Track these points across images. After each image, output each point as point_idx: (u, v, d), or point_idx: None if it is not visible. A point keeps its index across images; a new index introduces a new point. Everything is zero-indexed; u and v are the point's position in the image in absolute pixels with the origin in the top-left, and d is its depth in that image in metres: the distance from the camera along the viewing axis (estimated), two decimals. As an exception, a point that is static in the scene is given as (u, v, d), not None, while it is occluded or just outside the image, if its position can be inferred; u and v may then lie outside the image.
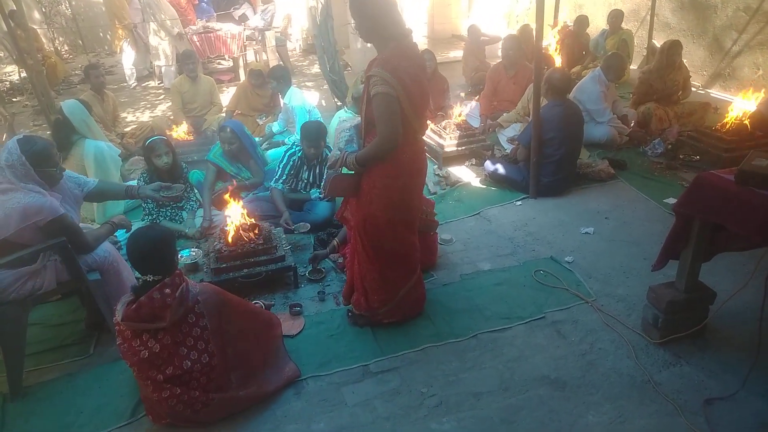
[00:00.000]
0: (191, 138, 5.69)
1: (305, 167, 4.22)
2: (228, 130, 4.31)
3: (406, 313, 2.98)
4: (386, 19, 2.44)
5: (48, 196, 2.63)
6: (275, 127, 5.83)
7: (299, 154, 4.17)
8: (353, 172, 2.66)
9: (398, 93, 2.38)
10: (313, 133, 4.02)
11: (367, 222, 2.70)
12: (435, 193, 4.65)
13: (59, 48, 11.54)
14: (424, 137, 5.38)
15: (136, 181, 4.25)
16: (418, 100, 2.51)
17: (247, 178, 4.47)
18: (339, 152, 2.72)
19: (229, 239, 3.35)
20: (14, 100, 8.51)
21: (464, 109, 5.74)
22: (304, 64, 10.10)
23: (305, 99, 5.52)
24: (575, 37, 7.90)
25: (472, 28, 7.93)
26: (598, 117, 5.33)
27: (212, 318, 2.31)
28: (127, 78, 8.87)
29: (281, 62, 9.05)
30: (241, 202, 3.50)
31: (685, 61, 5.96)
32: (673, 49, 5.53)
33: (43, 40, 10.43)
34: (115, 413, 2.50)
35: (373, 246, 2.75)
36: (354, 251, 2.90)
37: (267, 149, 5.40)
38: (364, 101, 2.54)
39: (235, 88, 6.77)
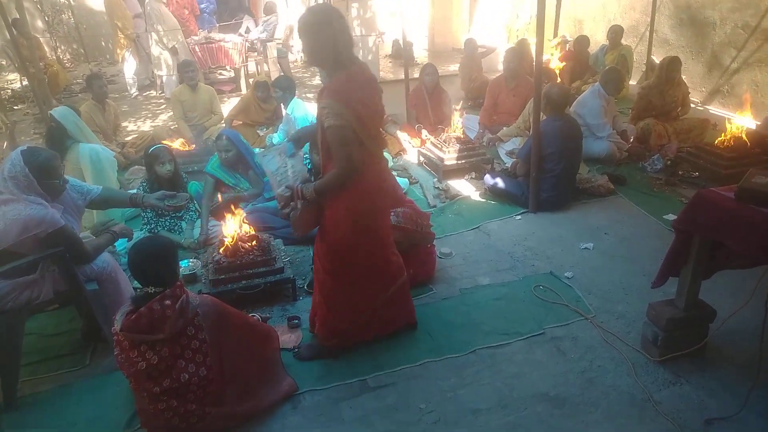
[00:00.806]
0: (191, 148, 5.70)
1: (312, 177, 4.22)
2: (224, 137, 4.32)
3: (380, 331, 2.90)
4: (340, 46, 2.39)
5: (49, 208, 2.62)
6: (275, 138, 5.84)
7: None
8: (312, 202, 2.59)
9: (351, 122, 2.34)
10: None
11: (334, 247, 2.64)
12: (434, 206, 4.66)
13: (61, 56, 11.58)
14: (423, 150, 5.48)
15: (136, 189, 4.25)
16: (372, 123, 2.48)
17: (246, 189, 4.46)
18: (284, 189, 2.60)
19: (226, 251, 3.34)
20: (15, 107, 8.52)
21: (462, 121, 5.75)
22: (306, 75, 10.15)
23: (308, 110, 5.54)
24: (576, 56, 7.95)
25: (469, 42, 8.00)
26: (598, 132, 5.35)
27: (211, 331, 2.30)
28: (128, 87, 8.90)
29: (282, 73, 9.09)
30: (242, 213, 3.50)
31: (684, 77, 6.00)
32: (672, 65, 5.57)
33: (46, 48, 10.47)
34: (110, 425, 2.48)
35: (341, 269, 2.67)
36: (318, 277, 2.81)
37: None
38: (319, 130, 2.49)
39: (238, 99, 6.79)
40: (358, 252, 2.65)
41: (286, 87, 5.46)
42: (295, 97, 5.54)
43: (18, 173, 2.57)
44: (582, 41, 7.98)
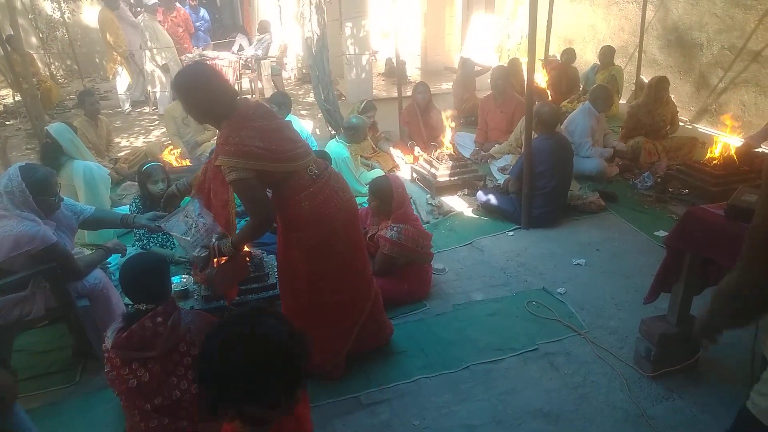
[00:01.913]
0: (185, 164, 5.71)
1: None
2: None
3: (364, 348, 2.86)
4: (213, 101, 2.35)
5: (41, 225, 2.61)
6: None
7: None
8: (229, 256, 2.53)
9: (253, 167, 2.29)
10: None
11: (294, 281, 2.62)
12: (428, 222, 4.67)
13: (55, 73, 11.60)
14: (416, 166, 5.51)
15: (128, 206, 4.24)
16: (280, 148, 2.38)
17: (239, 204, 4.45)
18: (200, 250, 2.48)
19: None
20: (8, 123, 8.50)
21: (453, 138, 5.80)
22: (299, 93, 10.21)
23: (303, 126, 5.57)
24: (562, 69, 8.08)
25: (465, 62, 8.09)
26: (579, 150, 5.40)
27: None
28: (121, 103, 8.90)
29: (276, 90, 9.15)
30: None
31: (672, 96, 6.10)
32: (660, 84, 5.67)
33: (39, 64, 10.48)
34: (99, 444, 2.44)
35: (297, 304, 2.64)
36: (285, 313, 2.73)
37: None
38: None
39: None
40: (315, 284, 2.58)
41: (282, 102, 5.51)
42: (290, 113, 5.57)
43: (14, 188, 2.58)
44: (569, 53, 8.11)
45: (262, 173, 2.33)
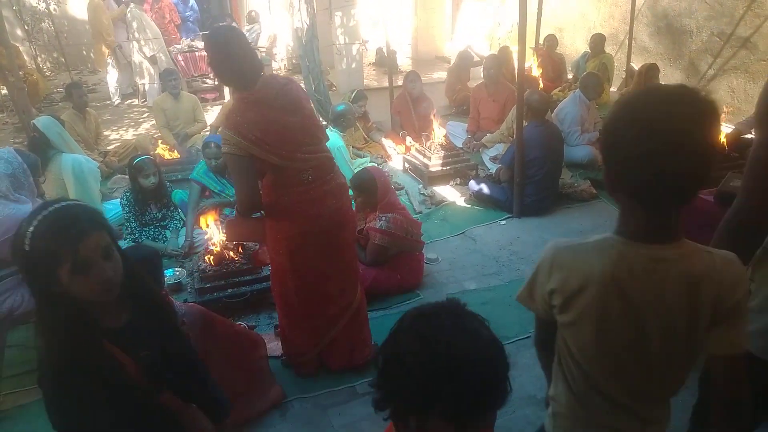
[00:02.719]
0: (176, 156, 5.68)
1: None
2: (212, 145, 4.31)
3: (333, 365, 2.80)
4: (229, 66, 2.32)
5: (29, 205, 2.64)
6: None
7: None
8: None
9: (245, 149, 2.26)
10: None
11: (276, 270, 2.63)
12: (420, 212, 4.68)
13: (41, 65, 11.44)
14: (408, 156, 5.51)
15: (119, 200, 4.22)
16: (282, 144, 2.33)
17: (232, 195, 4.45)
18: None
19: (212, 259, 3.32)
20: (-6, 117, 8.39)
21: (444, 131, 5.80)
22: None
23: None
24: (547, 55, 8.09)
25: (465, 53, 8.03)
26: (569, 139, 5.41)
27: (197, 340, 2.27)
28: (111, 96, 8.82)
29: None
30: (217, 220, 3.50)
31: (662, 83, 6.12)
32: (650, 72, 5.69)
33: (25, 57, 10.33)
34: (94, 438, 2.44)
35: (285, 293, 2.64)
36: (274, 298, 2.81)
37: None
38: None
39: (221, 106, 6.78)
40: (297, 278, 2.57)
41: None
42: None
43: (16, 169, 2.62)
44: (551, 39, 8.11)
45: (254, 156, 2.31)
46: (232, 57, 2.28)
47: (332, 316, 2.69)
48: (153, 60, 8.26)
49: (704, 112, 1.08)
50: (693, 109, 1.08)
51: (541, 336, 1.44)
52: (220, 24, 2.62)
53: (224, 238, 3.09)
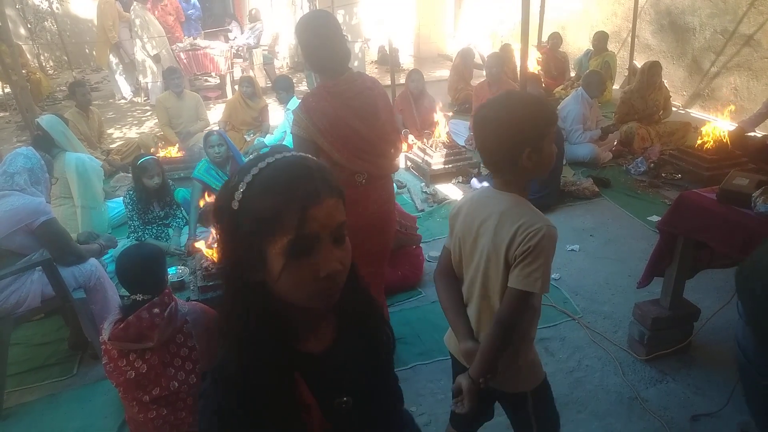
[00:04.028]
0: (179, 155, 5.69)
1: None
2: (214, 132, 4.33)
3: None
4: (320, 52, 2.31)
5: (43, 198, 2.71)
6: (268, 140, 5.92)
7: None
8: None
9: (311, 135, 2.27)
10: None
11: None
12: (422, 210, 4.68)
13: (44, 64, 11.47)
14: (410, 155, 5.50)
15: (122, 198, 4.23)
16: (344, 143, 2.31)
17: None
18: None
19: (214, 257, 3.33)
20: (-3, 115, 8.43)
21: (447, 128, 5.80)
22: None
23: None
24: (550, 53, 8.08)
25: (468, 52, 8.02)
26: (571, 137, 5.40)
27: (200, 338, 2.29)
28: (123, 93, 8.93)
29: (269, 80, 9.11)
30: None
31: (665, 81, 6.11)
32: (653, 69, 5.67)
33: (28, 56, 10.36)
34: (98, 435, 2.46)
35: None
36: None
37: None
38: None
39: (224, 104, 6.80)
40: None
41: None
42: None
43: (35, 164, 2.72)
44: (555, 37, 8.10)
45: (317, 145, 2.30)
46: (327, 42, 2.28)
47: None
48: (156, 58, 8.27)
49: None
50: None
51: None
52: (317, 10, 2.59)
53: None
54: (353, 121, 2.31)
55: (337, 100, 2.30)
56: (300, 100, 2.36)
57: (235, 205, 0.84)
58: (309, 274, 0.85)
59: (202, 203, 4.18)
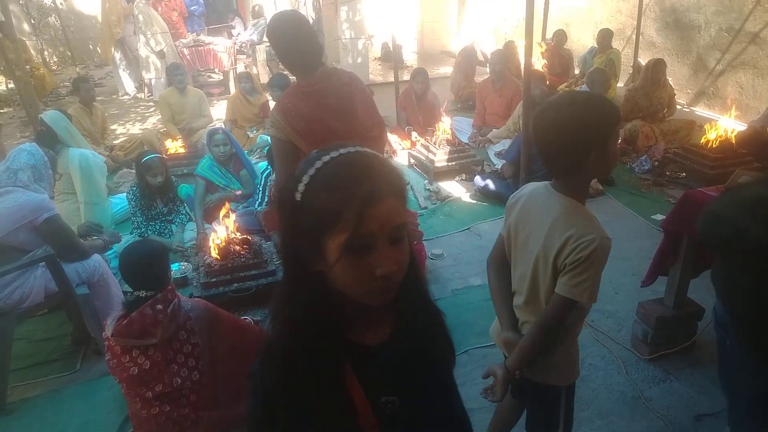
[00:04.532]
0: (182, 151, 5.69)
1: None
2: (219, 131, 4.32)
3: None
4: (290, 52, 2.30)
5: (46, 194, 2.71)
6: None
7: None
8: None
9: (289, 136, 2.25)
10: None
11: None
12: (425, 208, 4.68)
13: (48, 60, 11.48)
14: (414, 152, 5.49)
15: (125, 194, 4.23)
16: (324, 143, 2.35)
17: (237, 189, 4.46)
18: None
19: (217, 253, 3.33)
20: (1, 111, 8.44)
21: (450, 123, 5.78)
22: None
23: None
24: (555, 51, 8.06)
25: (471, 50, 7.99)
26: None
27: (203, 335, 2.29)
28: (126, 89, 8.94)
29: (272, 76, 9.10)
30: (233, 216, 3.50)
31: (669, 79, 6.08)
32: (657, 67, 5.64)
33: (32, 51, 10.37)
34: (101, 430, 2.46)
35: None
36: None
37: (258, 161, 5.41)
38: None
39: (226, 101, 6.79)
40: None
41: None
42: None
43: (38, 161, 2.72)
44: (559, 35, 8.07)
45: (295, 146, 2.29)
46: (297, 42, 2.26)
47: None
48: (161, 54, 8.28)
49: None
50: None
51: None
52: (287, 10, 2.60)
53: (265, 229, 3.09)
54: (330, 120, 2.29)
55: (313, 100, 2.28)
56: (275, 107, 2.36)
57: (298, 197, 0.87)
58: (365, 272, 0.86)
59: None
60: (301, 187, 0.87)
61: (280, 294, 0.96)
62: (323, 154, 0.89)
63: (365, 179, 0.85)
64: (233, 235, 3.43)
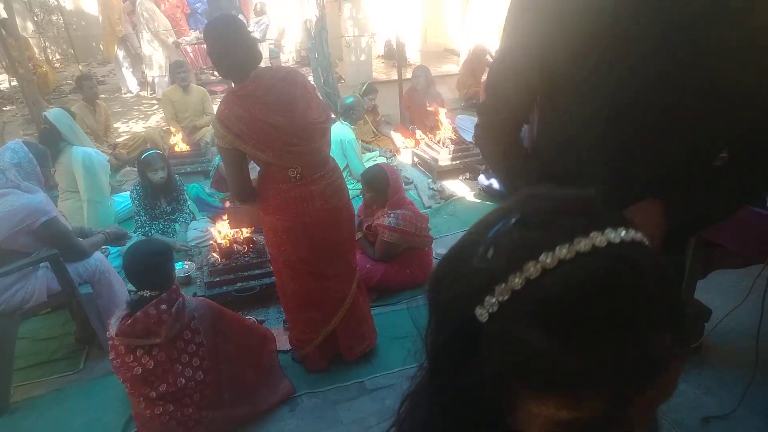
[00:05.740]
0: (184, 149, 5.68)
1: None
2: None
3: (346, 354, 2.80)
4: (224, 58, 2.27)
5: (42, 195, 2.68)
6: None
7: None
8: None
9: (231, 143, 2.23)
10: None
11: (273, 259, 2.64)
12: (429, 207, 4.66)
13: (51, 57, 11.48)
14: (418, 150, 5.47)
15: (129, 193, 4.22)
16: (263, 140, 2.26)
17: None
18: None
19: (219, 254, 3.33)
20: (4, 108, 8.44)
21: (451, 122, 5.76)
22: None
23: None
24: None
25: (481, 48, 7.94)
26: None
27: (207, 334, 2.28)
28: (129, 87, 8.94)
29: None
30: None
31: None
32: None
33: (35, 49, 10.37)
34: (105, 430, 2.46)
35: (282, 285, 2.64)
36: None
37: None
38: None
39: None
40: (288, 268, 2.55)
41: None
42: None
43: (22, 159, 2.67)
44: None
45: (240, 152, 2.28)
46: (231, 48, 2.24)
47: (327, 311, 2.67)
48: (176, 45, 8.30)
49: None
50: None
51: None
52: (221, 15, 2.60)
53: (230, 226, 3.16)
54: (270, 117, 2.26)
55: (249, 101, 2.26)
56: (216, 117, 2.31)
57: (483, 316, 0.52)
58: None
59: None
60: (491, 305, 0.51)
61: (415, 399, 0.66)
62: (536, 248, 0.50)
63: (636, 327, 0.47)
64: (237, 235, 3.42)
